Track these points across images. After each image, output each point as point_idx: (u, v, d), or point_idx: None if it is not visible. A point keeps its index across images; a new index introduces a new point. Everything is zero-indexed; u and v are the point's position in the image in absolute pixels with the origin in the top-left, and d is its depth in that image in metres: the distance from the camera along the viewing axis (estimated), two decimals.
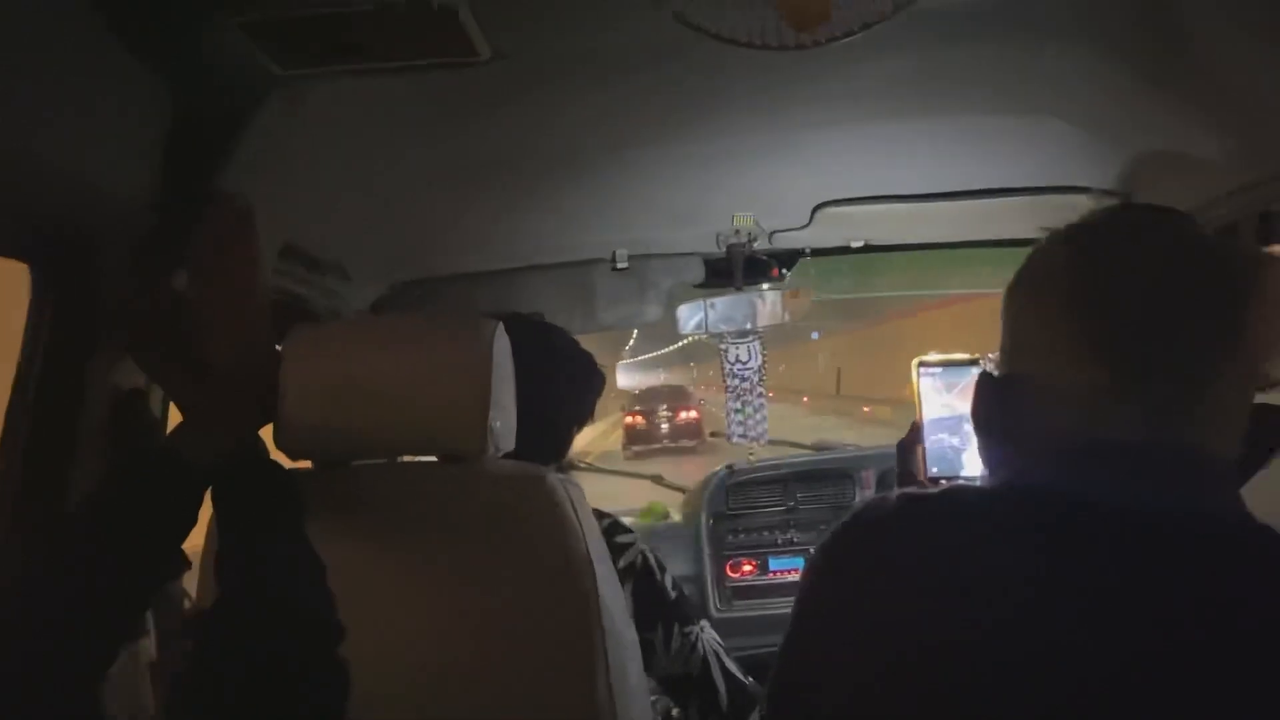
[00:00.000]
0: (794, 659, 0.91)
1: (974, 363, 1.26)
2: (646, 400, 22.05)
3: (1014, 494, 0.85)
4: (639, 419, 21.18)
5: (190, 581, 1.27)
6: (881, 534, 0.88)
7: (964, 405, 1.25)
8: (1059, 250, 0.87)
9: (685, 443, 19.83)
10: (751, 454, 2.67)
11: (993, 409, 0.89)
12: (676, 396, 22.35)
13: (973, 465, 1.24)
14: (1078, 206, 1.90)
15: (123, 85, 1.14)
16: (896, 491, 0.91)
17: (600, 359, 1.76)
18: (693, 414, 21.28)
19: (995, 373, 0.90)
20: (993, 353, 0.93)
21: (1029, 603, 0.77)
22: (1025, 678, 0.75)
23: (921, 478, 1.26)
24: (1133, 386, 0.80)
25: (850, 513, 0.92)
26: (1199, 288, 0.81)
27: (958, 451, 1.26)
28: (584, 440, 1.78)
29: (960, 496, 0.90)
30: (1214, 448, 0.81)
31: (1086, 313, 0.82)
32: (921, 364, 1.27)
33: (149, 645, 1.28)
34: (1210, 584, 0.75)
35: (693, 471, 3.48)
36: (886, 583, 0.84)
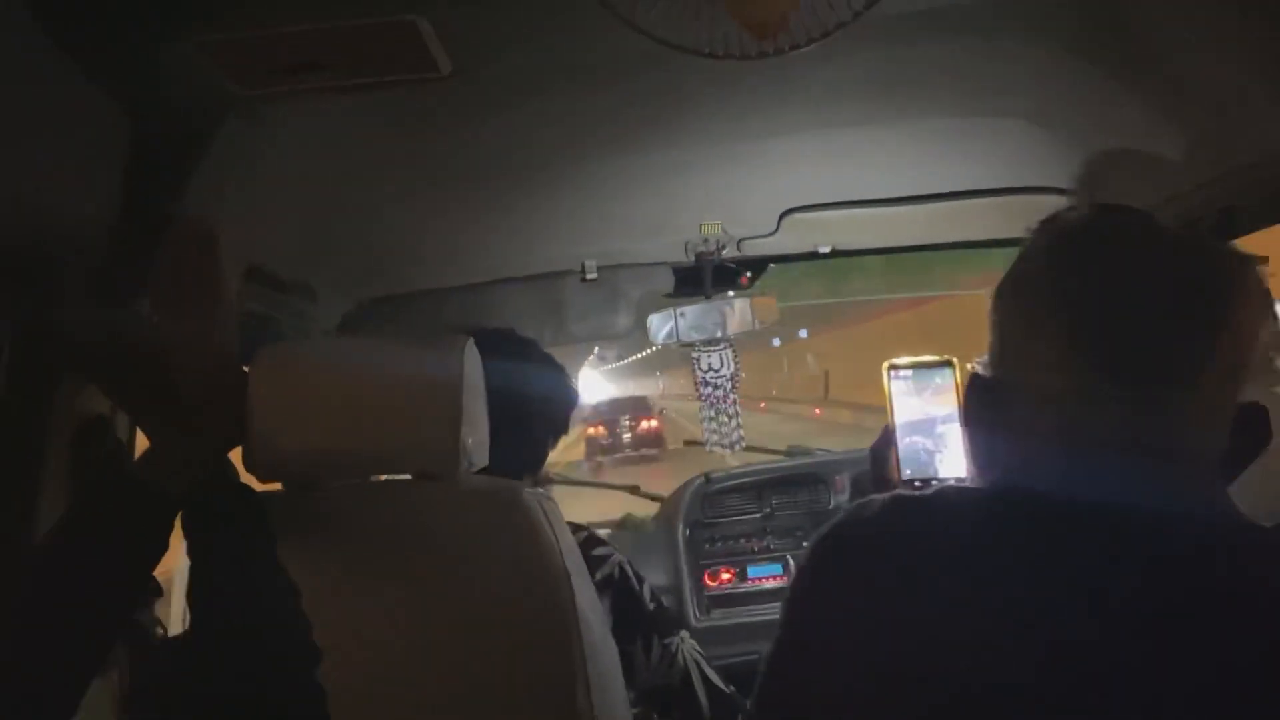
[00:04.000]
0: (784, 662, 0.91)
1: (946, 364, 1.26)
2: (608, 411, 22.05)
3: (1002, 494, 0.86)
4: (601, 429, 21.21)
5: (162, 609, 1.25)
6: (872, 536, 0.88)
7: (936, 407, 1.26)
8: (1041, 252, 0.88)
9: (647, 451, 19.90)
10: (724, 460, 2.67)
11: (981, 409, 0.90)
12: (637, 406, 22.41)
13: (946, 467, 1.24)
14: (1043, 206, 1.90)
15: (81, 108, 1.13)
16: (886, 494, 0.92)
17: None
18: (654, 423, 21.36)
19: (984, 373, 0.91)
20: (979, 356, 0.93)
21: (1017, 603, 0.78)
22: (1015, 675, 0.76)
23: (895, 480, 1.26)
24: (1115, 386, 0.81)
25: (839, 515, 0.93)
26: (1179, 287, 0.82)
27: (931, 454, 1.25)
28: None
29: (949, 498, 0.90)
30: (1199, 446, 0.82)
31: (1068, 314, 0.83)
32: (892, 366, 1.27)
33: (120, 674, 1.26)
34: (1195, 582, 0.76)
35: (655, 477, 3.47)
36: (878, 584, 0.84)
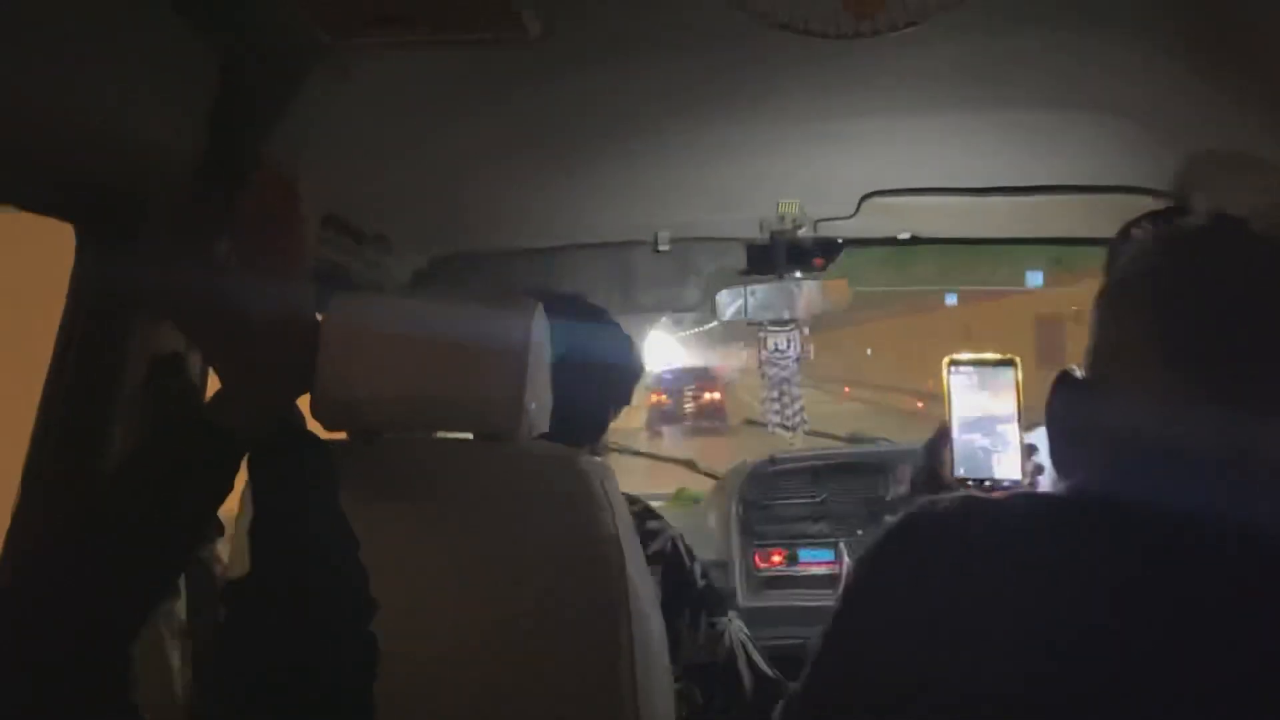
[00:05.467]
0: (840, 646, 0.91)
1: (1008, 363, 1.24)
2: (671, 380, 22.01)
3: (1083, 500, 0.84)
4: (663, 398, 21.22)
5: (223, 547, 1.28)
6: (944, 532, 0.87)
7: (996, 406, 1.23)
8: (1152, 257, 0.87)
9: (709, 423, 19.88)
10: (791, 443, 2.65)
11: (1072, 410, 0.88)
12: (702, 378, 22.34)
13: (1002, 468, 1.22)
14: (1133, 207, 1.86)
15: (171, 48, 1.14)
16: (957, 492, 0.91)
17: None
18: (717, 395, 21.28)
19: (1076, 374, 0.89)
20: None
21: (1090, 610, 0.77)
22: (1081, 684, 0.75)
23: (948, 478, 1.24)
24: (1215, 398, 0.79)
25: (907, 510, 0.92)
26: None
27: (987, 453, 1.23)
28: None
29: (1024, 500, 0.89)
30: None
31: (1174, 321, 0.81)
32: (953, 362, 1.25)
33: (181, 609, 1.29)
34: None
35: (715, 452, 3.45)
36: (945, 580, 0.84)
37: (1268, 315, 0.79)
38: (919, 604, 0.84)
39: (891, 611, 0.86)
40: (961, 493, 0.91)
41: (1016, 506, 0.87)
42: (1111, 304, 0.88)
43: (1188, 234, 0.87)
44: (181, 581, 1.28)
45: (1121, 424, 0.83)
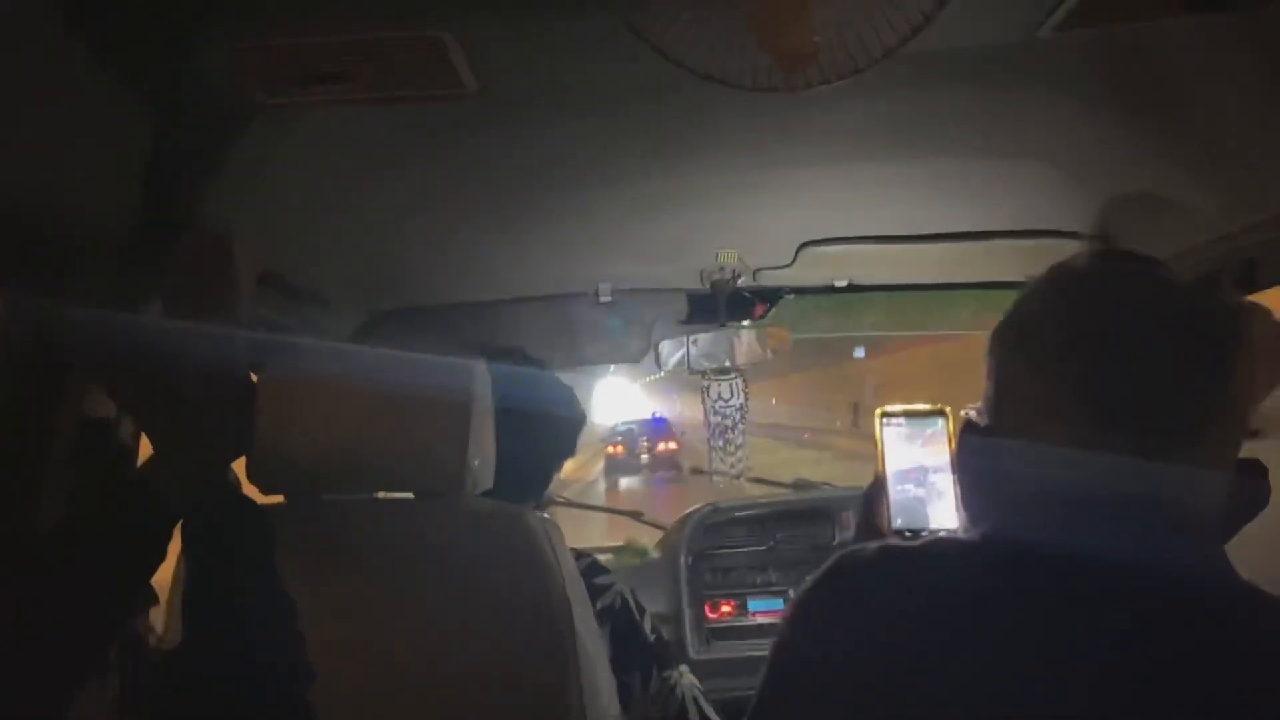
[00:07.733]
0: (772, 702, 0.90)
1: (939, 414, 1.26)
2: (627, 432, 22.28)
3: (992, 547, 0.84)
4: (620, 449, 21.54)
5: (157, 617, 1.24)
6: (863, 584, 0.87)
7: (929, 457, 1.25)
8: (1044, 298, 0.87)
9: (665, 473, 20.09)
10: (740, 489, 2.65)
11: (974, 457, 0.88)
12: (657, 429, 22.62)
13: (938, 517, 1.23)
14: (1061, 251, 1.90)
15: (105, 107, 1.12)
16: (876, 543, 0.90)
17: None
18: (672, 445, 21.61)
19: (978, 420, 0.89)
20: (975, 404, 0.92)
21: (1003, 657, 0.77)
22: None
23: (886, 529, 1.25)
24: (1116, 439, 0.79)
25: (829, 562, 0.91)
26: (1185, 340, 0.81)
27: (922, 503, 1.25)
28: (565, 469, 1.78)
29: (941, 548, 0.89)
30: (1197, 502, 0.80)
31: (1071, 362, 0.82)
32: (885, 414, 1.27)
33: (113, 683, 1.24)
34: (1188, 642, 0.75)
35: (672, 501, 3.45)
36: (867, 632, 0.83)
37: (1166, 352, 0.80)
38: (844, 655, 0.83)
39: (818, 666, 0.85)
40: (879, 543, 0.90)
41: (932, 555, 0.87)
42: (1008, 347, 0.88)
43: (1081, 273, 0.87)
44: (113, 654, 1.24)
45: (1023, 470, 0.83)
